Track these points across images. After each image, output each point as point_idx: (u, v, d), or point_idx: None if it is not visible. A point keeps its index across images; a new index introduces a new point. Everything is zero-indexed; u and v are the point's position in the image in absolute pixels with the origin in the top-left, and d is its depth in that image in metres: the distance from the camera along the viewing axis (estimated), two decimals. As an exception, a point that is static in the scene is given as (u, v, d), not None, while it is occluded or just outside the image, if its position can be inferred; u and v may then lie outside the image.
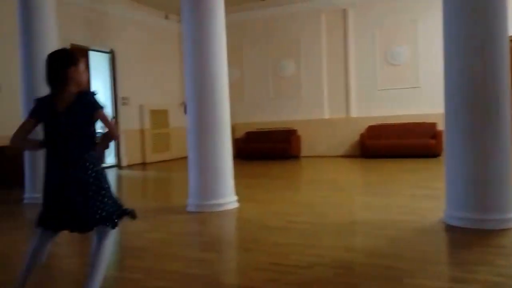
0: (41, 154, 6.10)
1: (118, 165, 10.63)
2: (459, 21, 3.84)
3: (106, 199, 2.44)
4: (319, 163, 9.91)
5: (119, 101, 10.72)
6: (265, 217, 4.62)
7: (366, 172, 8.42)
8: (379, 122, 10.52)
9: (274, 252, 3.42)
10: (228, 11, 5.37)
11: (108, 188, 2.48)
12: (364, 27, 10.73)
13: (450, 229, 3.85)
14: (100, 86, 10.74)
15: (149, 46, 11.63)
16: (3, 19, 7.95)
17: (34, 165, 6.09)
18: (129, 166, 10.70)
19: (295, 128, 11.22)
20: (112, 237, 2.52)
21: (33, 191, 6.07)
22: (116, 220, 2.48)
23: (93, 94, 2.45)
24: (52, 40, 6.21)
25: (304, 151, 11.16)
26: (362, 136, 10.33)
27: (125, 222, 4.74)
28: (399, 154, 9.64)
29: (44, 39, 6.11)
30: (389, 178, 7.13)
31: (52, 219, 2.43)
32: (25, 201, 6.14)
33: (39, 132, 2.52)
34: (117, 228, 2.51)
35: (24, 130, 2.43)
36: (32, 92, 6.06)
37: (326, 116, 11.17)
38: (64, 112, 2.39)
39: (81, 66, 2.47)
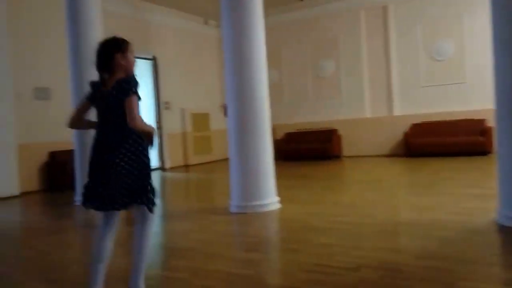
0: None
1: (161, 168, 10.91)
2: (508, 11, 3.66)
3: (139, 183, 2.44)
4: (361, 163, 9.73)
5: (162, 106, 11.01)
6: (308, 218, 4.59)
7: (411, 171, 8.17)
8: (424, 119, 10.20)
9: (319, 253, 3.38)
10: (266, 14, 5.38)
11: (144, 175, 2.45)
12: (405, 22, 10.44)
13: (503, 229, 3.67)
14: (143, 92, 11.03)
15: (190, 51, 11.89)
16: (53, 28, 8.37)
17: (84, 169, 6.32)
18: (172, 169, 10.95)
19: (336, 128, 11.09)
20: (152, 224, 2.58)
21: (84, 194, 6.32)
22: (150, 204, 2.49)
23: (130, 80, 2.41)
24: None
25: (346, 151, 11.01)
26: (406, 134, 10.05)
27: (170, 223, 4.87)
28: (446, 152, 9.31)
29: (92, 48, 6.35)
30: (436, 177, 6.89)
31: (93, 198, 2.47)
32: (76, 203, 6.40)
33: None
34: (154, 217, 2.60)
35: (78, 111, 2.57)
36: (81, 99, 6.32)
37: (368, 115, 10.96)
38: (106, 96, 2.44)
39: (128, 53, 2.50)
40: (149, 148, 2.48)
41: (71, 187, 7.29)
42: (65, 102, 7.82)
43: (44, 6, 8.44)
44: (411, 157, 9.71)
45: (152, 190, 2.53)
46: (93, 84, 2.55)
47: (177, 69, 11.42)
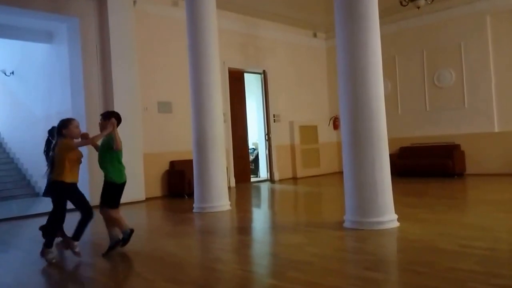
0: (207, 168, 6.68)
1: (270, 180, 11.07)
2: None
3: None
4: (489, 182, 8.76)
5: (271, 119, 11.21)
6: (432, 239, 4.23)
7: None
8: None
9: (450, 278, 3.07)
10: (381, 22, 5.17)
11: None
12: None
13: None
14: (253, 105, 11.44)
15: (298, 64, 11.98)
16: (174, 48, 9.05)
17: (202, 178, 6.67)
18: (280, 181, 11.03)
19: (458, 143, 10.18)
20: None
21: (202, 201, 6.64)
22: None
23: None
24: (215, 65, 6.80)
25: (470, 169, 10.00)
26: (544, 151, 8.82)
27: (283, 234, 4.85)
28: None
29: (208, 65, 6.72)
30: None
31: None
32: (194, 210, 6.73)
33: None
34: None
35: None
36: (200, 112, 6.71)
37: (496, 129, 9.87)
38: None
39: None
40: None
41: (189, 194, 7.78)
42: (184, 116, 8.43)
43: (167, 28, 9.13)
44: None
45: None
46: None
47: (285, 82, 11.57)
